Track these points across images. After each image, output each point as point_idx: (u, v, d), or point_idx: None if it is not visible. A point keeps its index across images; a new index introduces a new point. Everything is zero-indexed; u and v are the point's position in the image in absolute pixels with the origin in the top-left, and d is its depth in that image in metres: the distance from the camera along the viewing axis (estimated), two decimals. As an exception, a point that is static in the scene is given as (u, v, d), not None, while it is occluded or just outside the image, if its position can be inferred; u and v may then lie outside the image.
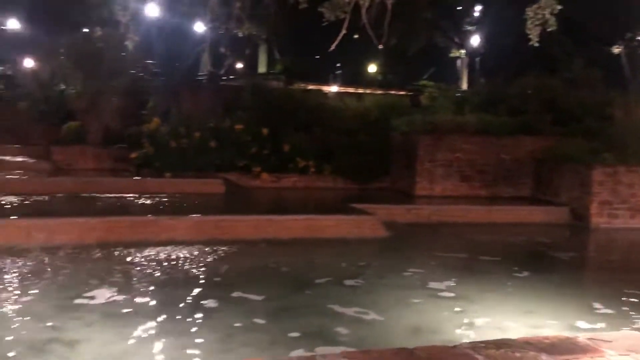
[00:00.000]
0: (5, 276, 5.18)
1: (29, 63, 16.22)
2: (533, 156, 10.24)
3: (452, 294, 5.09)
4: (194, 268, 5.70)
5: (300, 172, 11.05)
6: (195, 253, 6.22)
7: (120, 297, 4.67)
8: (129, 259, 5.92)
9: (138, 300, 4.67)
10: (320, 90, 15.48)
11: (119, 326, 4.00)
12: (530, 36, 8.82)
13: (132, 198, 8.73)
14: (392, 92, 15.59)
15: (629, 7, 14.90)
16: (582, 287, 5.92)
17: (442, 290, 5.17)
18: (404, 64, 21.04)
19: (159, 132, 10.76)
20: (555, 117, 10.57)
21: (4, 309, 4.29)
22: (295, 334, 3.97)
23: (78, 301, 4.52)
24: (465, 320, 4.41)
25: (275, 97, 12.15)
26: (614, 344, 2.31)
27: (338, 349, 3.56)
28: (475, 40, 22.04)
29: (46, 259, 5.77)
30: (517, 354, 2.26)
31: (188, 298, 4.71)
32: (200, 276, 5.45)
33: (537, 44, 8.86)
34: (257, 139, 10.98)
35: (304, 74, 17.40)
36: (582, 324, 4.37)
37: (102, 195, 8.74)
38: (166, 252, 6.19)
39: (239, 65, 25.70)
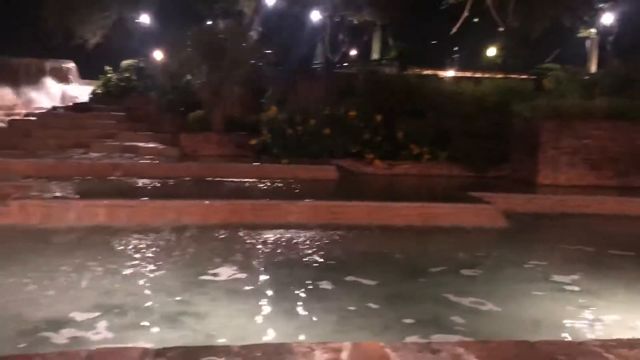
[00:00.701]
0: (141, 253, 5.63)
1: (158, 55, 17.41)
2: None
3: (577, 288, 4.78)
4: (309, 251, 5.84)
5: (414, 158, 10.91)
6: (311, 236, 6.38)
7: (242, 276, 4.91)
8: (249, 239, 6.20)
9: (257, 278, 4.89)
10: (435, 75, 15.13)
11: (240, 302, 4.22)
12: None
13: (251, 182, 9.13)
14: (513, 76, 14.82)
15: None
16: None
17: (566, 284, 4.88)
18: (527, 46, 19.91)
19: (276, 119, 11.13)
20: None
21: (141, 282, 4.68)
22: (409, 321, 3.95)
23: (203, 277, 4.82)
24: (592, 317, 4.13)
25: (389, 83, 12.06)
26: None
27: (454, 338, 3.50)
28: (607, 19, 20.29)
29: (175, 238, 6.21)
30: (656, 355, 2.08)
31: (304, 279, 4.84)
32: (316, 259, 5.57)
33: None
34: (370, 125, 10.99)
35: (418, 60, 17.09)
36: None
37: (225, 180, 9.23)
38: (283, 234, 6.42)
39: (353, 53, 25.80)
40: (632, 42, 17.87)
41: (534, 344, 2.54)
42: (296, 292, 4.51)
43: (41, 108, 17.01)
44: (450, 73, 18.06)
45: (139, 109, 14.80)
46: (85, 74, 20.70)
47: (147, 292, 4.43)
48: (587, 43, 21.62)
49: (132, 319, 3.82)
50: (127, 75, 17.74)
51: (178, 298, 4.27)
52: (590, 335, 3.69)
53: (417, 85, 12.00)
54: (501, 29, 11.89)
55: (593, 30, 20.98)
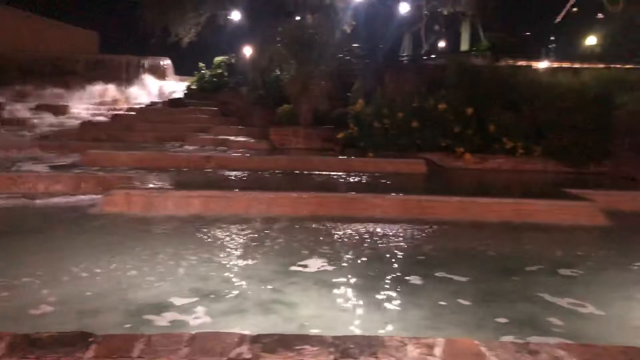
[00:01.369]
0: (233, 242, 5.83)
1: (248, 51, 17.90)
2: None
3: (690, 294, 4.43)
4: (397, 245, 5.80)
5: (506, 153, 10.52)
6: (399, 231, 6.33)
7: (330, 268, 4.96)
8: (337, 232, 6.24)
9: (346, 271, 4.91)
10: (530, 67, 14.47)
11: (330, 294, 4.26)
12: None
13: (338, 176, 9.19)
14: (616, 65, 13.88)
15: None
16: None
17: (677, 289, 4.53)
18: (632, 32, 18.55)
19: (363, 113, 11.11)
20: None
21: (234, 270, 4.84)
22: (502, 320, 3.83)
23: (293, 268, 4.91)
24: None
25: (480, 74, 11.69)
26: None
27: (552, 340, 3.35)
28: None
29: (265, 229, 6.37)
30: None
31: (392, 273, 4.82)
32: (404, 253, 5.52)
33: None
34: (460, 118, 10.71)
35: (511, 50, 16.42)
36: None
37: (312, 173, 9.34)
38: (371, 228, 6.41)
39: (441, 44, 25.24)
40: None
41: (645, 351, 2.38)
42: (385, 286, 4.50)
43: (140, 103, 18.01)
44: (545, 64, 17.21)
45: (231, 104, 15.31)
46: (180, 71, 21.70)
47: (240, 279, 4.57)
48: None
49: (227, 305, 3.96)
50: (219, 71, 18.36)
51: (270, 287, 4.38)
52: None
53: (510, 77, 11.53)
54: (601, 16, 11.17)
55: None
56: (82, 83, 19.37)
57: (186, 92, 18.71)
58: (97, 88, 19.24)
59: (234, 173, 9.20)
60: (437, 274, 4.78)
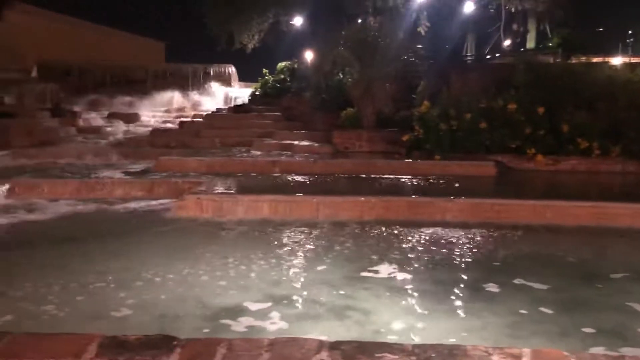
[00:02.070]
0: (302, 247, 5.85)
1: (310, 56, 18.02)
2: None
3: None
4: (470, 250, 5.64)
5: (581, 153, 10.06)
6: (470, 235, 6.16)
7: (402, 273, 4.87)
8: (406, 237, 6.14)
9: (418, 277, 4.81)
10: (605, 63, 13.81)
11: (403, 300, 4.18)
12: None
13: (404, 179, 9.07)
14: None
15: None
16: None
17: None
18: None
19: (429, 114, 10.92)
20: None
21: (305, 275, 4.85)
22: (588, 330, 3.63)
23: (364, 274, 4.85)
24: None
25: (551, 73, 11.25)
26: None
27: (648, 353, 3.15)
28: None
29: (333, 233, 6.35)
30: None
31: (467, 280, 4.69)
32: (478, 259, 5.36)
33: None
34: (531, 118, 10.34)
35: (584, 47, 15.72)
36: None
37: (377, 176, 9.27)
38: (441, 232, 6.27)
39: (507, 43, 24.51)
40: None
41: None
42: (460, 293, 4.37)
43: (206, 110, 18.50)
44: (621, 60, 16.39)
45: (294, 109, 15.46)
46: (244, 77, 22.16)
47: (312, 285, 4.56)
48: None
49: (301, 311, 3.96)
50: (282, 76, 18.58)
51: (342, 292, 4.35)
52: None
53: (584, 74, 11.04)
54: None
55: None
56: (151, 92, 20.13)
57: (250, 98, 19.06)
58: (165, 96, 19.93)
59: (299, 177, 9.26)
60: (514, 281, 4.60)
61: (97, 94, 19.83)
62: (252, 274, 4.85)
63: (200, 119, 16.40)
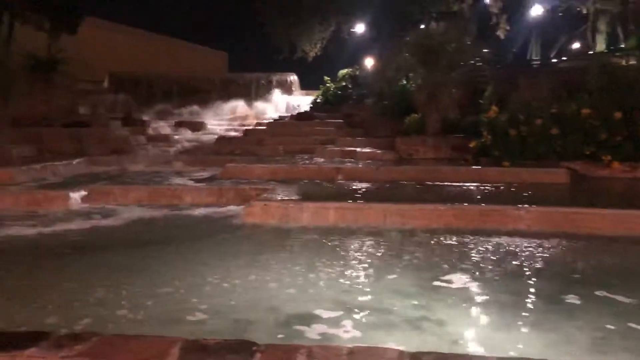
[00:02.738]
0: (370, 255, 5.78)
1: (372, 63, 18.00)
2: None
3: None
4: (547, 261, 5.41)
5: (662, 161, 9.53)
6: (546, 245, 5.91)
7: (476, 284, 4.72)
8: (477, 246, 5.96)
9: (492, 288, 4.64)
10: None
11: (479, 311, 4.05)
12: None
13: (472, 186, 8.85)
14: None
15: None
16: None
17: None
18: None
19: (497, 120, 10.64)
20: None
21: (375, 284, 4.78)
22: (685, 349, 3.39)
23: (436, 283, 4.73)
24: None
25: (628, 76, 10.72)
26: None
27: None
28: None
29: (400, 241, 6.26)
30: None
31: (545, 291, 4.48)
32: (555, 270, 5.13)
33: None
34: (607, 124, 9.87)
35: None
36: None
37: (443, 183, 9.09)
38: (514, 242, 6.05)
39: (575, 46, 23.64)
40: None
41: None
42: (539, 305, 4.19)
43: (269, 118, 18.76)
44: None
45: (356, 116, 15.43)
46: (305, 85, 22.34)
47: (383, 293, 4.49)
48: None
49: (374, 319, 3.90)
50: (344, 84, 18.63)
51: (415, 302, 4.25)
52: None
53: (665, 77, 10.46)
54: None
55: None
56: (215, 101, 20.62)
57: (312, 105, 19.20)
58: (229, 105, 20.37)
59: (362, 184, 9.21)
60: (597, 293, 4.37)
61: (165, 103, 20.51)
62: (321, 282, 4.82)
63: (264, 127, 16.64)
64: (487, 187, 8.70)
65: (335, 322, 3.83)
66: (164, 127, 17.73)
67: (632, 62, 14.08)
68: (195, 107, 20.04)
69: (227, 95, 20.94)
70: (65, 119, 15.35)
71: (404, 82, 13.58)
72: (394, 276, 5.00)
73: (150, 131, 16.85)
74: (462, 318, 3.93)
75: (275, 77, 21.55)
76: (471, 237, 6.28)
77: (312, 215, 7.06)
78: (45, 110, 15.30)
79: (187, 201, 8.40)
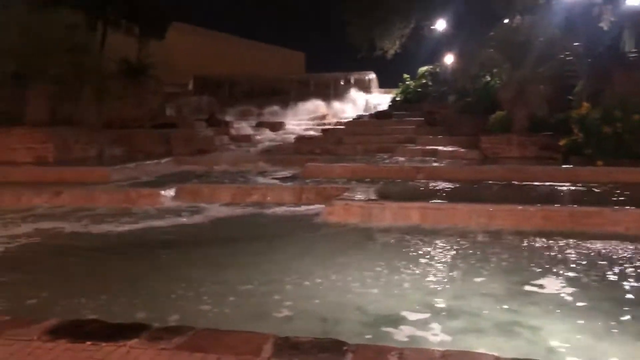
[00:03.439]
0: (455, 256, 5.63)
1: (453, 59, 17.59)
2: None
3: None
4: (650, 267, 5.06)
5: None
6: (649, 251, 5.53)
7: (571, 289, 4.48)
8: (570, 250, 5.67)
9: (589, 294, 4.39)
10: None
11: (577, 319, 3.83)
12: None
13: (562, 187, 8.43)
14: None
15: None
16: None
17: None
18: None
19: (590, 117, 10.07)
20: None
21: (462, 286, 4.65)
22: None
23: (528, 288, 4.54)
24: None
25: None
26: None
27: None
28: None
29: (487, 243, 6.05)
30: None
31: (650, 300, 4.19)
32: (661, 278, 4.79)
33: None
34: None
35: None
36: None
37: (531, 183, 8.72)
38: (612, 246, 5.70)
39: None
40: None
41: None
42: (643, 314, 3.92)
43: (347, 117, 18.78)
44: None
45: (436, 113, 15.14)
46: (384, 83, 22.20)
47: (471, 297, 4.36)
48: None
49: (463, 323, 3.79)
50: (424, 81, 18.33)
51: (505, 306, 4.10)
52: None
53: None
54: None
55: None
56: (294, 101, 20.89)
57: (391, 104, 19.05)
58: (308, 105, 20.57)
59: (445, 184, 9.01)
60: None
61: (246, 104, 21.03)
62: (405, 283, 4.75)
63: (342, 126, 16.69)
64: (579, 188, 8.26)
65: (422, 325, 3.76)
66: (245, 128, 18.18)
67: None
68: (275, 108, 20.41)
69: (306, 95, 21.17)
70: (154, 121, 16.11)
71: (488, 78, 13.16)
72: (482, 279, 4.84)
73: (232, 131, 17.33)
74: (558, 325, 3.74)
75: (354, 76, 21.56)
76: (563, 240, 5.98)
77: (394, 215, 6.99)
78: (135, 112, 16.12)
79: (270, 200, 8.55)
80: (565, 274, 4.90)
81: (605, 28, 11.60)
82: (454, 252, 5.78)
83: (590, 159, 9.74)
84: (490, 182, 9.13)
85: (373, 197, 7.72)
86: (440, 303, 4.22)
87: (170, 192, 8.72)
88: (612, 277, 4.81)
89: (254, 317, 3.97)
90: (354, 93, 21.07)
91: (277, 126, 18.56)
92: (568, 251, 5.64)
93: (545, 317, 3.88)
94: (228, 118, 19.06)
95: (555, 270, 5.01)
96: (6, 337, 2.76)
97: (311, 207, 8.10)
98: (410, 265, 5.23)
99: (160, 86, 18.15)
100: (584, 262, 5.25)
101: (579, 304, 4.16)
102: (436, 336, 3.56)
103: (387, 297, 4.38)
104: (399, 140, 13.61)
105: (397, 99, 19.04)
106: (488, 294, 4.41)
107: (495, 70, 12.50)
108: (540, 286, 4.59)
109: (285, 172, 11.01)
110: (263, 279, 4.86)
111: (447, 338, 3.53)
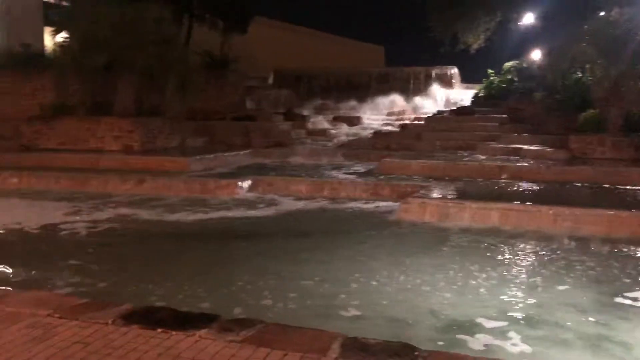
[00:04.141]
0: (537, 261, 5.33)
1: (541, 54, 16.73)
2: None
3: None
4: None
5: None
6: None
7: (670, 305, 4.11)
8: (669, 261, 5.21)
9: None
10: None
11: (676, 338, 3.49)
12: None
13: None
14: None
15: None
16: None
17: None
18: None
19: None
20: None
21: (543, 294, 4.36)
22: None
23: (619, 300, 4.20)
24: None
25: None
26: None
27: None
28: None
29: (573, 250, 5.68)
30: None
31: None
32: None
33: None
34: None
35: None
36: None
37: (626, 187, 8.12)
38: None
39: None
40: None
41: None
42: None
43: (427, 113, 18.33)
44: None
45: (522, 110, 14.44)
46: (466, 78, 21.48)
47: (553, 306, 4.08)
48: None
49: (544, 334, 3.55)
50: (509, 77, 17.57)
51: (592, 319, 3.80)
52: None
53: None
54: None
55: None
56: (372, 95, 20.65)
57: (473, 99, 18.39)
58: (386, 99, 20.27)
59: (529, 185, 8.56)
60: None
61: (324, 98, 21.03)
62: (481, 288, 4.53)
63: (421, 122, 16.30)
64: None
65: (500, 333, 3.55)
66: (322, 122, 18.18)
67: None
68: (352, 102, 20.27)
69: (385, 90, 20.86)
70: (234, 114, 16.44)
71: (579, 74, 12.38)
72: (566, 287, 4.53)
73: (309, 125, 17.39)
74: (653, 343, 3.42)
75: (435, 71, 21.00)
76: (661, 250, 5.51)
77: (473, 215, 6.71)
78: (217, 105, 16.53)
79: (343, 195, 8.47)
80: (662, 287, 4.50)
81: None
82: (536, 257, 5.47)
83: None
84: (578, 184, 8.58)
85: (451, 196, 7.46)
86: (520, 311, 3.98)
87: (246, 184, 8.85)
88: None
89: (320, 315, 3.91)
90: (434, 88, 20.54)
91: (354, 121, 18.42)
92: (666, 262, 5.18)
93: (638, 333, 3.56)
94: (305, 112, 19.14)
95: (651, 282, 4.61)
96: (83, 320, 2.84)
97: (385, 203, 7.94)
98: (488, 269, 4.98)
99: (242, 79, 18.50)
100: (686, 275, 4.80)
101: (679, 321, 3.79)
102: (515, 346, 3.35)
103: (461, 302, 4.19)
104: (480, 138, 13.09)
105: (480, 94, 18.34)
106: (573, 304, 4.11)
107: (587, 66, 11.70)
108: (635, 299, 4.23)
109: (360, 167, 10.88)
110: (330, 275, 4.79)
111: (527, 349, 3.31)
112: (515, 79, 17.38)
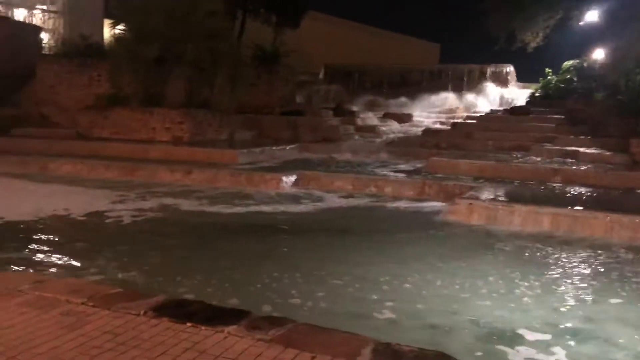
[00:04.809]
0: (589, 271, 5.05)
1: (600, 54, 16.03)
2: None
3: None
4: None
5: None
6: None
7: None
8: None
9: None
10: None
11: None
12: None
13: None
14: None
15: None
16: None
17: None
18: None
19: None
20: None
21: (593, 307, 4.13)
22: None
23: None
24: None
25: None
26: None
27: None
28: None
29: (630, 260, 5.35)
30: None
31: None
32: None
33: None
34: None
35: None
36: None
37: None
38: None
39: None
40: None
41: None
42: None
43: (480, 111, 17.86)
44: None
45: (580, 111, 13.84)
46: (522, 77, 20.81)
47: (603, 320, 3.85)
48: None
49: (592, 350, 3.34)
50: (568, 76, 16.88)
51: (649, 337, 3.56)
52: None
53: None
54: None
55: None
56: (424, 92, 20.29)
57: (529, 99, 17.78)
58: (439, 97, 19.90)
59: (585, 189, 8.18)
60: None
61: (374, 94, 20.81)
62: (526, 297, 4.32)
63: (473, 121, 15.88)
64: None
65: (543, 347, 3.36)
66: (371, 118, 17.99)
67: None
68: (403, 99, 19.97)
69: (438, 87, 20.47)
70: (284, 108, 16.48)
71: (645, 75, 11.76)
72: (619, 301, 4.27)
73: (358, 122, 17.22)
74: None
75: (490, 69, 20.44)
76: None
77: (523, 219, 6.45)
78: (267, 99, 16.61)
79: (388, 193, 8.33)
80: None
81: None
82: (588, 267, 5.19)
83: None
84: (639, 191, 8.14)
85: (501, 198, 7.19)
86: (566, 324, 3.77)
87: (291, 178, 8.83)
88: None
89: (353, 316, 3.81)
90: (488, 86, 19.99)
91: (404, 118, 18.14)
92: None
93: None
94: (355, 108, 18.98)
95: None
96: (114, 310, 2.84)
97: (432, 203, 7.76)
98: (534, 277, 4.76)
99: (292, 74, 18.50)
100: None
101: None
102: (559, 362, 3.16)
103: (503, 311, 4.00)
104: (535, 139, 12.63)
105: (536, 94, 17.71)
106: (625, 319, 3.87)
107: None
108: (694, 318, 3.93)
109: (408, 166, 10.69)
110: (366, 275, 4.68)
111: (572, 366, 3.11)
112: (575, 78, 16.69)
